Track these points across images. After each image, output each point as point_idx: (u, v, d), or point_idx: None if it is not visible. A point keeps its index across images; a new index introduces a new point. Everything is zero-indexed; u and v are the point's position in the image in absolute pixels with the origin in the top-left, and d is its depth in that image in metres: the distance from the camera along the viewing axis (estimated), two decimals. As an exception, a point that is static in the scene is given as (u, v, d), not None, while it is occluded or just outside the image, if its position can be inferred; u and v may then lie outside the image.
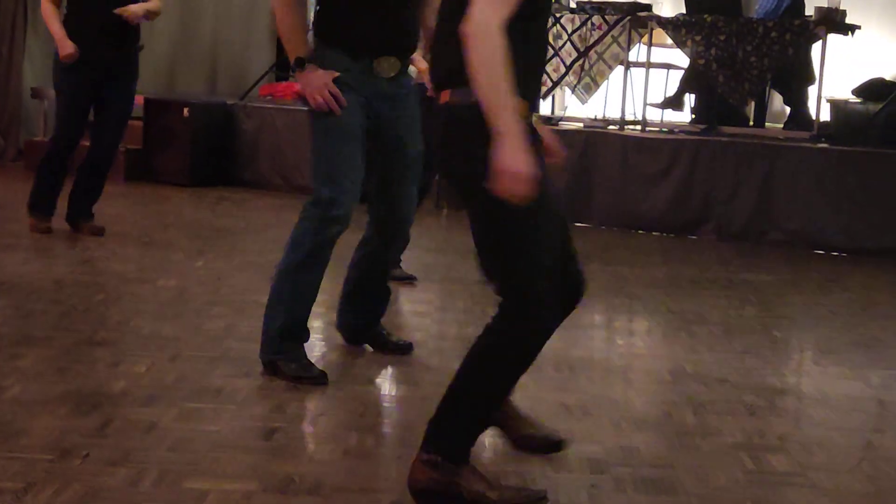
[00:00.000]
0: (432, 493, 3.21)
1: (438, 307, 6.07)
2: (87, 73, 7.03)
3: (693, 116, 10.27)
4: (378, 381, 4.65)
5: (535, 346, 3.19)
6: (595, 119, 10.49)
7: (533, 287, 3.13)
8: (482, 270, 3.23)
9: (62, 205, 7.39)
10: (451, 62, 3.09)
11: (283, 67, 12.47)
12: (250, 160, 10.51)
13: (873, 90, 9.48)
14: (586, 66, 9.95)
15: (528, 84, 3.14)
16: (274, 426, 3.90)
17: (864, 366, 5.15)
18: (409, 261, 6.69)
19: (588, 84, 10.10)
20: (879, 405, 4.58)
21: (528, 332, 3.16)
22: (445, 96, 3.17)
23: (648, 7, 9.95)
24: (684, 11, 9.76)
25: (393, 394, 4.53)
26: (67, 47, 6.90)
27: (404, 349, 4.94)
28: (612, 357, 5.21)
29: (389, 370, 4.76)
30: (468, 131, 3.07)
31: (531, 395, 4.41)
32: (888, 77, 10.17)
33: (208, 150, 10.37)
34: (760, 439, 4.02)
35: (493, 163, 2.92)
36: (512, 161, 2.90)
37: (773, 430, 4.16)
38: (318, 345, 5.02)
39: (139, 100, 10.58)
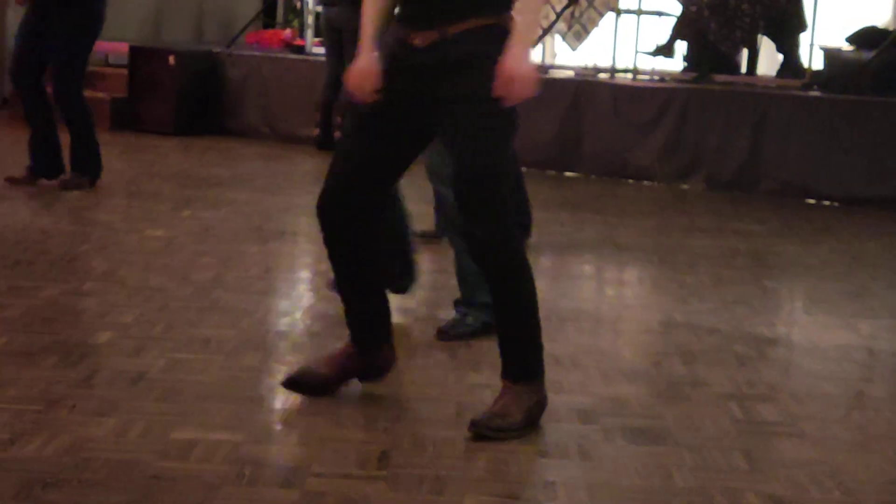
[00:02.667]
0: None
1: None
2: (29, 18, 7.01)
3: (685, 64, 10.21)
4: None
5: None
6: (585, 67, 10.43)
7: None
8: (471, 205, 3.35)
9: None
10: None
11: (270, 14, 12.38)
12: (237, 109, 10.43)
13: (866, 38, 9.42)
14: (577, 14, 9.88)
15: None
16: (262, 376, 3.88)
17: (855, 315, 5.14)
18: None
19: (578, 31, 10.03)
20: (869, 354, 4.58)
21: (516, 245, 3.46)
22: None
23: (640, -47, 9.87)
24: (676, -42, 9.68)
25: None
26: None
27: None
28: (602, 307, 5.20)
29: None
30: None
31: (521, 345, 4.40)
32: (881, 24, 10.11)
33: (194, 99, 10.29)
34: (750, 389, 4.01)
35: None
36: None
37: (763, 379, 4.15)
38: (306, 295, 4.99)
39: (122, 48, 10.56)
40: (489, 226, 3.36)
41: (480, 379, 3.93)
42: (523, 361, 3.50)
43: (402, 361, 4.01)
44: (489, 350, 3.87)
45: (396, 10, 3.49)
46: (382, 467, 3.14)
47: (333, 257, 3.59)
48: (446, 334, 4.43)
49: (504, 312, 3.49)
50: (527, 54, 3.31)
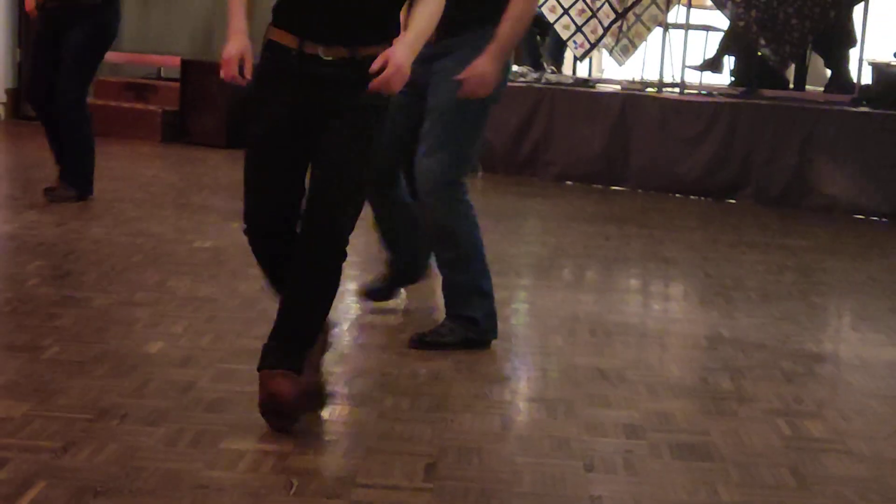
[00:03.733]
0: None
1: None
2: (41, 35, 7.12)
3: (732, 79, 10.18)
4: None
5: None
6: (633, 81, 10.41)
7: None
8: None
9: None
10: None
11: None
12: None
13: (916, 53, 9.36)
14: (624, 28, 9.86)
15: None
16: (310, 388, 3.91)
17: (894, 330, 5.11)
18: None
19: (626, 46, 10.02)
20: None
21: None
22: None
23: (688, -32, 9.86)
24: (724, -27, 9.65)
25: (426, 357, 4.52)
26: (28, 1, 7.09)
27: None
28: (648, 322, 5.19)
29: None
30: None
31: (566, 359, 4.41)
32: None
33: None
34: (797, 405, 4.00)
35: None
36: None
37: (811, 396, 4.13)
38: (352, 307, 5.03)
39: (174, 61, 10.66)
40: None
41: (526, 392, 3.94)
42: None
43: (446, 373, 4.04)
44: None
45: (280, 20, 3.56)
46: (429, 479, 3.15)
47: (267, 266, 3.70)
48: (421, 342, 4.45)
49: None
50: (412, 51, 3.43)
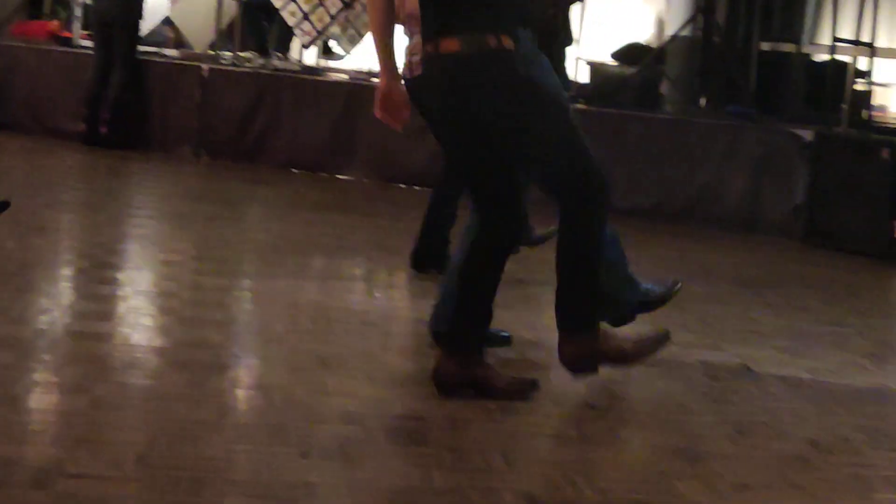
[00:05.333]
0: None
1: (194, 256, 5.96)
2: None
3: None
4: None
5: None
6: (360, 71, 10.45)
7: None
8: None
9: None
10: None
11: (36, 5, 11.98)
12: (0, 101, 10.04)
13: (630, 54, 9.76)
14: (351, 17, 9.89)
15: None
16: (17, 375, 3.75)
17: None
18: (161, 208, 6.53)
19: (353, 35, 10.05)
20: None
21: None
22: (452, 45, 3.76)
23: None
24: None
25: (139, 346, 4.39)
26: None
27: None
28: (370, 310, 5.22)
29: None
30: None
31: (287, 347, 4.39)
32: (643, 41, 10.48)
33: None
34: (511, 391, 4.09)
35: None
36: None
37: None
38: (65, 293, 4.85)
39: None
40: None
41: (244, 380, 3.89)
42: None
43: (162, 361, 3.94)
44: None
45: (506, 27, 3.84)
46: (139, 468, 3.07)
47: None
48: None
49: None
50: None
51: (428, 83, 3.97)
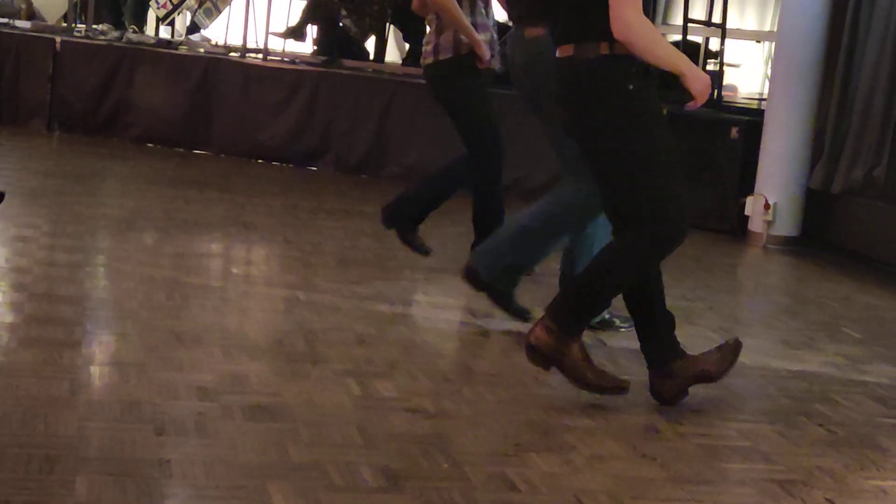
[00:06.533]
0: (542, 352, 3.81)
1: (47, 232, 5.84)
2: None
3: (315, 48, 10.31)
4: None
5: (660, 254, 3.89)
6: (216, 45, 10.34)
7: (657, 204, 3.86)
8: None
9: None
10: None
11: None
12: None
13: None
14: (209, -10, 9.78)
15: None
16: None
17: (467, 295, 5.31)
18: (13, 183, 6.38)
19: (209, 9, 9.94)
20: (481, 333, 4.79)
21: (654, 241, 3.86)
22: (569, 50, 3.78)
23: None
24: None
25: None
26: None
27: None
28: (227, 286, 5.19)
29: None
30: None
31: (142, 323, 4.34)
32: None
33: None
34: (368, 366, 4.11)
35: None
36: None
37: (382, 357, 4.25)
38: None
39: None
40: None
41: (98, 356, 3.83)
42: None
43: (15, 338, 3.86)
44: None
45: None
46: (-12, 448, 3.01)
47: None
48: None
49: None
50: None
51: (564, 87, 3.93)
